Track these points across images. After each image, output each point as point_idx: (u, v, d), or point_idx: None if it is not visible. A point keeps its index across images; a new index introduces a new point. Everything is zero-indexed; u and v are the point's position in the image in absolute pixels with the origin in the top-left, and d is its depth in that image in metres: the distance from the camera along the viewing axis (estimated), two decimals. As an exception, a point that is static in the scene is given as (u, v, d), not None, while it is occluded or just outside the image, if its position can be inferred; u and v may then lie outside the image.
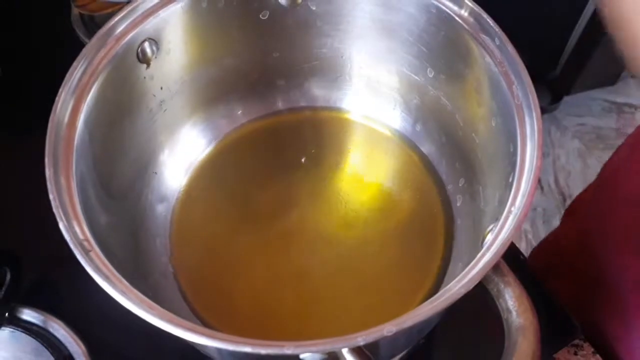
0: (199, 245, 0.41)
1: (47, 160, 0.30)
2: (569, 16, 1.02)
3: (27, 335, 0.39)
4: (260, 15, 0.40)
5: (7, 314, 0.40)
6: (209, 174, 0.44)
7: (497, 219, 0.30)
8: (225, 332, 0.26)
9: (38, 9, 0.57)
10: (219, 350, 0.30)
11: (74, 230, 0.29)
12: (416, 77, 0.41)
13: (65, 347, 0.40)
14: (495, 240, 0.28)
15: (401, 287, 0.40)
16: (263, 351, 0.25)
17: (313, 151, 0.45)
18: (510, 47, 0.33)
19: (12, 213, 0.46)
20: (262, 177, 0.44)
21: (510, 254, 0.39)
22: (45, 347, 0.39)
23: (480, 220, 0.37)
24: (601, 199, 0.49)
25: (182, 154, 0.43)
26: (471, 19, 0.35)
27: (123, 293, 0.27)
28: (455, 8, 0.35)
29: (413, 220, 0.42)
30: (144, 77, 0.38)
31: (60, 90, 0.32)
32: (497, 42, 0.34)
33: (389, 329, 0.25)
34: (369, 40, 0.42)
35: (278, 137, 0.46)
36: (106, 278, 0.27)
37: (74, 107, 0.33)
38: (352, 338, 0.25)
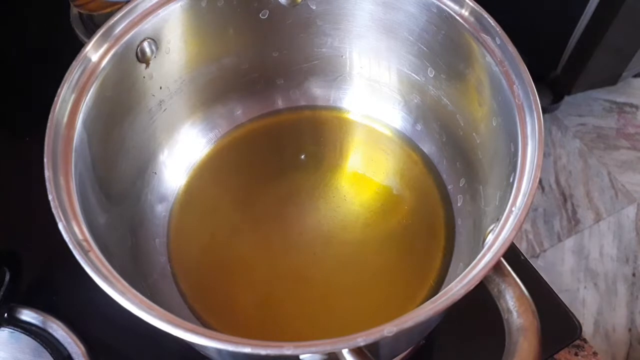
0: (198, 245, 0.41)
1: (46, 161, 0.30)
2: (570, 16, 1.01)
3: (26, 336, 0.39)
4: (260, 15, 0.40)
5: (6, 314, 0.40)
6: (209, 173, 0.44)
7: (497, 219, 0.30)
8: (225, 333, 0.26)
9: (37, 8, 0.57)
10: (219, 350, 0.30)
11: (73, 230, 0.29)
12: (416, 77, 0.41)
13: (65, 348, 0.40)
14: (496, 240, 0.28)
15: (402, 288, 0.40)
16: (262, 352, 0.25)
17: (313, 151, 0.44)
18: (511, 47, 0.33)
19: (12, 213, 0.46)
20: (261, 177, 0.44)
21: (511, 255, 0.39)
22: (45, 348, 0.39)
23: (481, 220, 0.37)
24: None
25: (181, 154, 0.43)
26: (472, 19, 0.35)
27: (122, 293, 0.27)
28: (456, 7, 0.35)
29: (414, 220, 0.42)
30: (143, 77, 0.38)
31: (59, 90, 0.32)
32: (498, 42, 0.34)
33: (389, 329, 0.25)
34: (369, 40, 0.42)
35: (278, 136, 0.45)
36: (105, 278, 0.27)
37: (73, 107, 0.33)
38: (352, 338, 0.25)
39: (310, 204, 0.43)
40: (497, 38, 0.34)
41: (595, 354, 0.41)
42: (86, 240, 0.29)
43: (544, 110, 1.17)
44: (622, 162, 1.17)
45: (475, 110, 0.38)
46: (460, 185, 0.41)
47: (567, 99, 1.20)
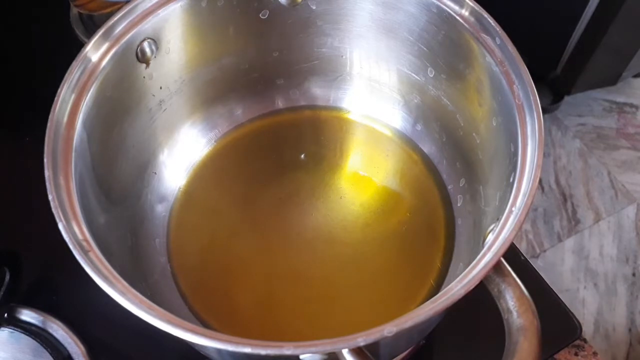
0: (198, 245, 0.41)
1: (46, 161, 0.30)
2: (570, 16, 1.02)
3: (26, 336, 0.39)
4: (260, 15, 0.40)
5: (6, 314, 0.40)
6: (209, 173, 0.44)
7: (497, 219, 0.30)
8: (225, 333, 0.26)
9: (37, 8, 0.57)
10: (219, 350, 0.30)
11: (73, 230, 0.29)
12: (417, 77, 0.41)
13: (65, 348, 0.40)
14: (496, 240, 0.28)
15: (402, 288, 0.40)
16: (262, 352, 0.25)
17: (313, 151, 0.44)
18: (511, 47, 0.33)
19: (12, 213, 0.46)
20: (261, 177, 0.44)
21: (511, 255, 0.39)
22: (45, 348, 0.39)
23: (481, 220, 0.37)
24: None
25: (181, 154, 0.43)
26: (472, 19, 0.35)
27: (122, 293, 0.27)
28: (456, 7, 0.35)
29: (413, 220, 0.42)
30: (143, 77, 0.38)
31: (59, 90, 0.32)
32: (498, 42, 0.34)
33: (389, 329, 0.25)
34: (369, 40, 0.42)
35: (278, 136, 0.45)
36: (105, 278, 0.27)
37: (73, 107, 0.33)
38: (352, 338, 0.25)
39: (310, 204, 0.43)
40: (497, 38, 0.34)
41: (595, 354, 0.41)
42: (86, 240, 0.29)
43: (544, 110, 1.17)
44: (622, 162, 1.17)
45: (475, 110, 0.38)
46: (460, 185, 0.41)
47: (567, 99, 1.20)
